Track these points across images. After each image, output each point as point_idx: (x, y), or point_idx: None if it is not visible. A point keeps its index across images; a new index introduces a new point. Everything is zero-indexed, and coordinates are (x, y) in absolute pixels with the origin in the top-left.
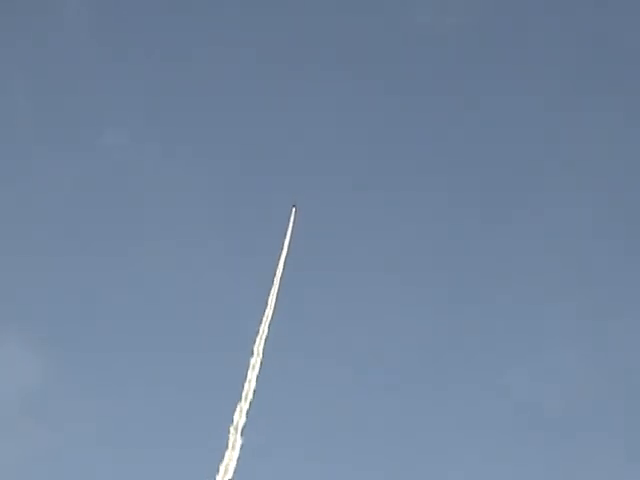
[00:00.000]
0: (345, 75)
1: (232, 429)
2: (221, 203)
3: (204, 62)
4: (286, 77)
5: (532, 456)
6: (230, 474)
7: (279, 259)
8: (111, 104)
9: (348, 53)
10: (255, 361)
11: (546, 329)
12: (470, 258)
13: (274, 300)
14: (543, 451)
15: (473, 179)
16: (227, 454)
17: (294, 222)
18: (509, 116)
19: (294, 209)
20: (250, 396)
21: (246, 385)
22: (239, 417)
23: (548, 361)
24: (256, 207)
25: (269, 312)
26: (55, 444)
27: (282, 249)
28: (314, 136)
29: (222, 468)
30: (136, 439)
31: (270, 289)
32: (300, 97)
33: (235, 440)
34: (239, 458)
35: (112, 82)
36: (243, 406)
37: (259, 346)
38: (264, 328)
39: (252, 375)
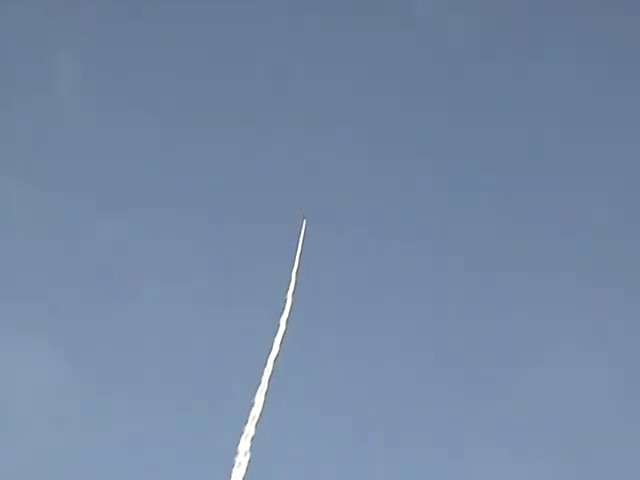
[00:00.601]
0: (345, 74)
1: None
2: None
3: (202, 85)
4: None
5: (541, 456)
6: None
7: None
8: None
9: (348, 52)
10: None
11: (559, 327)
12: (479, 257)
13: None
14: (552, 452)
15: (479, 179)
16: None
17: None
18: (511, 114)
19: (304, 221)
20: None
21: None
22: None
23: (562, 360)
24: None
25: (257, 411)
26: (69, 444)
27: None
28: (314, 140)
29: None
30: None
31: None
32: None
33: None
34: None
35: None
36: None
37: (245, 443)
38: (250, 429)
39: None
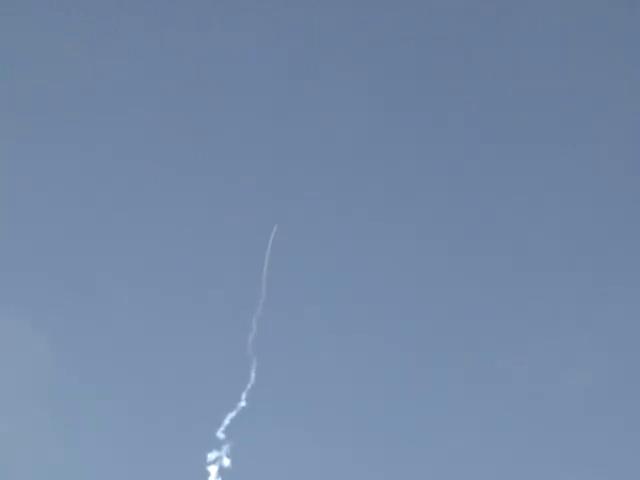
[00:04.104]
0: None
1: None
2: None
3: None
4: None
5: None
6: None
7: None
8: None
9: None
10: None
11: (555, 314)
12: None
13: None
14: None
15: (468, 172)
16: None
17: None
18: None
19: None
20: None
21: None
22: None
23: (557, 348)
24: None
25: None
26: (61, 429)
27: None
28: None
29: None
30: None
31: None
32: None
33: None
34: None
35: None
36: None
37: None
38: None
39: None
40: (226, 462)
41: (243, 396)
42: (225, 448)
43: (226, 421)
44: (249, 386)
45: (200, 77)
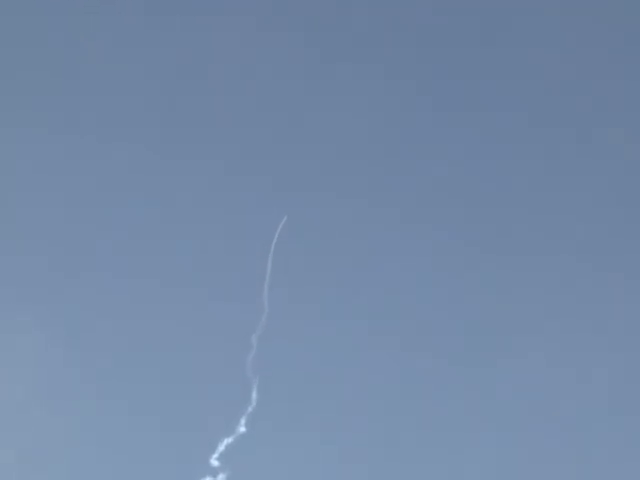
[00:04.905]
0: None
1: None
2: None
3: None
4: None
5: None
6: None
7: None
8: None
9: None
10: None
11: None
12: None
13: None
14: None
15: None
16: None
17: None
18: None
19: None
20: None
21: None
22: None
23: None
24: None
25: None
26: (64, 431)
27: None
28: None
29: None
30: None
31: None
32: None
33: None
34: None
35: None
36: None
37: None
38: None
39: None
40: None
41: (243, 421)
42: (221, 477)
43: (221, 447)
44: (250, 409)
45: (205, 74)
